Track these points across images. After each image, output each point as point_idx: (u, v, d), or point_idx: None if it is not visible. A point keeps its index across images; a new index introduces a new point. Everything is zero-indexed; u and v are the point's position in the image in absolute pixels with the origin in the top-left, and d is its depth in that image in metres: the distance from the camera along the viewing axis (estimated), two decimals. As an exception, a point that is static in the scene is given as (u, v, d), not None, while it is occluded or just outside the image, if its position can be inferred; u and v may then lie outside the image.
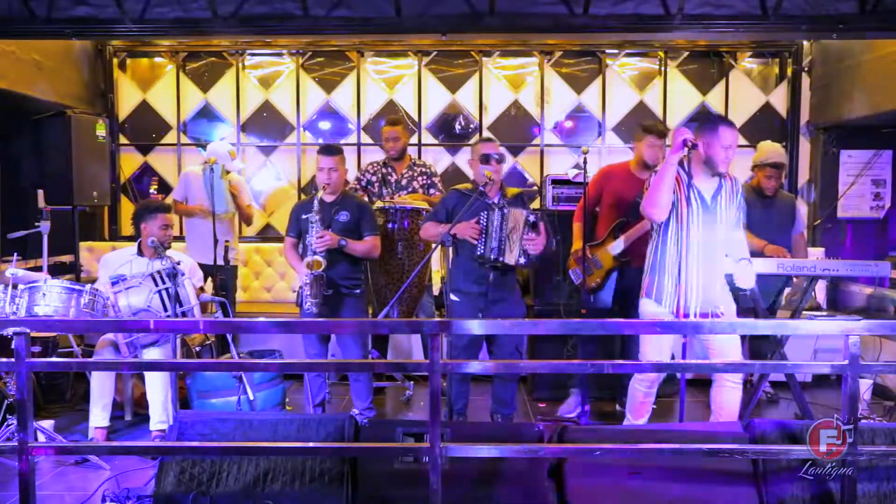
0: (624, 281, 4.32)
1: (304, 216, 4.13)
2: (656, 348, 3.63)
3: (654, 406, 4.18)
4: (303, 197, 6.28)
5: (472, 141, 4.06)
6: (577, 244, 4.38)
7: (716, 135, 3.43)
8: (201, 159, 5.32)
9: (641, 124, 4.49)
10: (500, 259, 3.72)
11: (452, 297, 3.81)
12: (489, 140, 4.06)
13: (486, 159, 3.83)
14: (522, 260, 3.73)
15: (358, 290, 4.21)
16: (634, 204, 4.24)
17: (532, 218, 3.72)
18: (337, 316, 4.05)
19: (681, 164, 3.46)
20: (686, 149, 3.37)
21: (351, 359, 4.22)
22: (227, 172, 5.06)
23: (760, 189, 4.67)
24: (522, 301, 4.07)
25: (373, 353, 5.05)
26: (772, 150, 4.75)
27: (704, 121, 3.64)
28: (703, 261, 3.46)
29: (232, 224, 5.32)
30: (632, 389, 3.77)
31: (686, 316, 3.46)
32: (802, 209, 4.82)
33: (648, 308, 3.59)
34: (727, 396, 3.55)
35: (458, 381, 3.92)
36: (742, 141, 6.17)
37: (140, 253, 4.18)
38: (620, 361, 4.37)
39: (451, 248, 3.81)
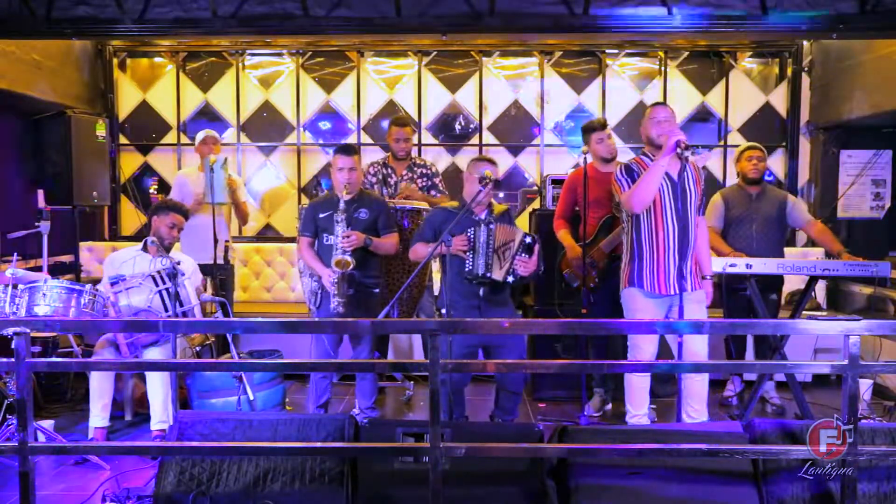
0: (617, 279, 4.34)
1: (321, 215, 4.12)
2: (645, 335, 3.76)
3: (654, 406, 4.21)
4: (303, 196, 6.29)
5: (473, 158, 4.01)
6: (572, 251, 4.39)
7: (648, 117, 3.76)
8: (198, 161, 5.31)
9: (582, 128, 4.60)
10: (488, 275, 3.71)
11: (444, 311, 3.79)
12: (490, 161, 3.95)
13: (482, 181, 3.77)
14: (510, 279, 3.73)
15: (377, 289, 4.21)
16: (613, 197, 4.32)
17: (528, 240, 3.73)
18: (362, 314, 4.05)
19: (644, 153, 3.83)
20: (679, 149, 3.51)
21: (359, 358, 4.21)
22: (226, 162, 5.03)
23: (745, 176, 4.66)
24: (517, 314, 4.04)
25: (373, 353, 5.04)
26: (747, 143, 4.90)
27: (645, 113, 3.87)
28: (676, 236, 3.68)
29: (227, 220, 5.30)
30: (627, 378, 3.86)
31: (665, 294, 3.69)
32: (798, 203, 4.76)
33: (632, 296, 3.80)
34: (690, 383, 3.77)
35: (452, 392, 3.84)
36: (742, 141, 6.20)
37: (145, 250, 4.18)
38: (620, 361, 4.38)
39: (440, 265, 3.80)
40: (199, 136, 5.29)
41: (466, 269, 3.75)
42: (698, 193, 3.79)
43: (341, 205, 3.99)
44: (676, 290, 3.67)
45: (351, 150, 4.11)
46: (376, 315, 4.08)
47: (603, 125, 4.50)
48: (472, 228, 3.74)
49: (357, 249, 3.99)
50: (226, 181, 5.01)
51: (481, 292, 3.80)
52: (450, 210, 3.93)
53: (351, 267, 3.93)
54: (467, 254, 3.73)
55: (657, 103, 3.87)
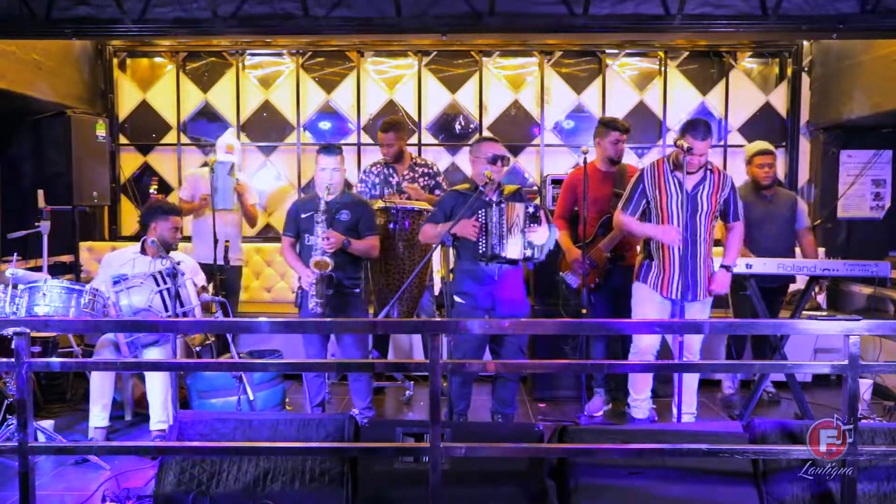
0: (617, 279, 4.35)
1: (303, 215, 4.12)
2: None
3: (654, 406, 4.23)
4: (303, 196, 6.28)
5: (475, 139, 4.03)
6: (571, 254, 4.39)
7: (682, 138, 3.79)
8: (203, 159, 5.34)
9: (602, 120, 4.60)
10: (503, 254, 3.70)
11: (457, 299, 3.79)
12: (494, 140, 3.99)
13: (494, 160, 3.78)
14: (528, 252, 3.71)
15: (358, 290, 4.21)
16: (614, 197, 4.33)
17: (531, 209, 3.72)
18: (340, 315, 4.05)
19: (668, 157, 3.93)
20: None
21: (351, 359, 4.22)
22: (233, 168, 5.05)
23: (757, 182, 4.69)
24: (527, 301, 4.07)
25: (373, 353, 5.04)
26: (757, 142, 4.89)
27: (684, 125, 3.90)
28: (682, 246, 3.77)
29: (238, 223, 5.33)
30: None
31: (669, 296, 3.84)
32: (803, 206, 4.84)
33: (639, 291, 4.00)
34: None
35: (460, 384, 3.91)
36: (741, 141, 6.20)
37: (143, 252, 4.18)
38: (620, 361, 4.39)
39: (451, 250, 3.81)
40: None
41: (480, 252, 3.73)
42: (713, 206, 3.84)
43: (322, 205, 3.98)
44: (679, 296, 3.78)
45: (334, 150, 4.11)
46: (356, 315, 4.11)
47: (626, 129, 4.46)
48: (484, 210, 3.73)
49: (337, 250, 3.98)
50: (233, 187, 5.03)
51: (496, 276, 3.80)
52: (461, 192, 3.92)
53: (330, 268, 3.92)
54: (479, 235, 3.72)
55: (697, 130, 3.76)
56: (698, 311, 3.89)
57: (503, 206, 3.71)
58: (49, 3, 4.48)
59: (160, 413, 3.95)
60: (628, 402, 4.08)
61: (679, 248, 3.77)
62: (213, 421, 2.96)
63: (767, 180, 4.66)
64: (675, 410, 3.86)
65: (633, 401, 4.02)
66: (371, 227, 4.18)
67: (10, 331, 2.59)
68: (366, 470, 2.86)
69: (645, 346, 3.96)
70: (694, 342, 3.94)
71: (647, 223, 3.91)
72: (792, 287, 4.99)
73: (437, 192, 4.96)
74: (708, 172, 3.80)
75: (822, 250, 5.89)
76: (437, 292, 5.11)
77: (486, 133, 6.21)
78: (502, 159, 3.81)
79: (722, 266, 3.92)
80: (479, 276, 3.80)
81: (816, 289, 4.89)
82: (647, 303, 3.92)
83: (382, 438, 2.87)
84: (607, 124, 4.48)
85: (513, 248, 3.70)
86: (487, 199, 3.78)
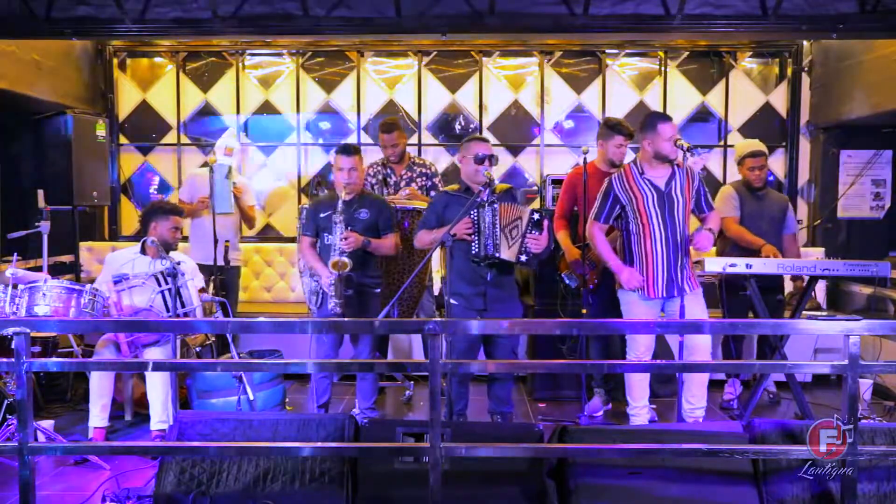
0: (615, 280, 4.35)
1: (322, 215, 4.11)
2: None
3: (654, 406, 4.23)
4: (303, 197, 6.29)
5: (465, 139, 4.02)
6: (571, 254, 4.39)
7: (656, 132, 3.77)
8: (203, 159, 5.34)
9: (607, 122, 4.54)
10: (496, 255, 3.68)
11: (451, 300, 3.79)
12: (482, 140, 3.96)
13: (480, 160, 3.77)
14: (523, 258, 3.70)
15: (378, 290, 4.21)
16: None
17: (536, 216, 3.70)
18: (360, 315, 4.04)
19: (634, 161, 3.93)
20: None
21: (361, 358, 4.20)
22: (230, 171, 5.05)
23: (749, 183, 4.73)
24: (520, 301, 4.06)
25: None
26: (747, 142, 4.90)
27: (644, 122, 3.90)
28: (664, 243, 3.80)
29: (236, 225, 5.33)
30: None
31: (655, 296, 3.82)
32: (792, 211, 4.85)
33: (624, 298, 3.96)
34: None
35: (458, 383, 3.91)
36: (741, 140, 6.19)
37: (143, 252, 4.18)
38: (620, 361, 4.38)
39: (448, 252, 3.81)
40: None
41: (473, 252, 3.72)
42: (687, 200, 3.84)
43: (339, 205, 3.98)
44: (666, 293, 3.81)
45: (352, 151, 4.10)
46: (376, 315, 4.10)
47: (631, 134, 4.40)
48: (476, 210, 3.71)
49: (356, 250, 3.98)
50: (230, 190, 5.03)
51: (489, 277, 3.79)
52: (451, 193, 3.91)
53: (348, 269, 3.92)
54: (473, 237, 3.70)
55: (667, 119, 3.84)
56: (695, 305, 3.83)
57: (496, 206, 3.70)
58: (49, 3, 4.48)
59: (160, 413, 3.95)
60: (627, 410, 4.05)
61: (661, 247, 3.79)
62: (213, 421, 2.96)
63: (759, 182, 4.70)
64: (684, 405, 3.84)
65: (631, 409, 3.98)
66: (390, 225, 4.18)
67: (10, 331, 2.59)
68: (366, 470, 2.87)
69: (642, 354, 3.93)
70: (702, 341, 3.88)
71: (613, 255, 3.89)
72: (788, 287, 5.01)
73: (433, 193, 4.96)
74: (675, 168, 3.79)
75: (821, 250, 5.90)
76: (437, 292, 5.11)
77: (486, 133, 6.21)
78: (489, 159, 3.78)
79: (704, 228, 3.88)
80: (470, 277, 3.80)
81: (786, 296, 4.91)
82: (634, 310, 3.90)
83: (382, 438, 2.87)
84: (612, 127, 4.41)
85: (508, 250, 3.69)
86: (479, 199, 3.76)
